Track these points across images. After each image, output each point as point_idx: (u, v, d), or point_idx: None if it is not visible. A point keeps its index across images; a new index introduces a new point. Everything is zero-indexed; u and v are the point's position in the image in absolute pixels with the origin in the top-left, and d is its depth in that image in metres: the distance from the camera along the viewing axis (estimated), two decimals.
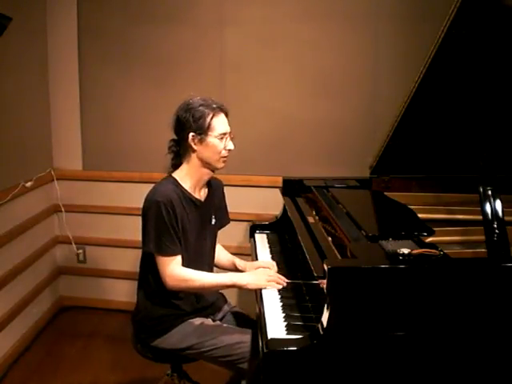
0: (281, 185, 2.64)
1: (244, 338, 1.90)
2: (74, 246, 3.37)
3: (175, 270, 1.90)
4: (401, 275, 1.46)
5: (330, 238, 1.91)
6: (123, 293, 3.35)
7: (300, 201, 2.46)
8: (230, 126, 1.98)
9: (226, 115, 1.98)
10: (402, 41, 2.89)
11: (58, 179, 3.31)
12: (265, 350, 1.48)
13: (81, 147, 3.32)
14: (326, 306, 1.47)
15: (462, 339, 1.49)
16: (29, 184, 2.98)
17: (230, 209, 3.14)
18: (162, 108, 3.21)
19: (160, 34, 3.11)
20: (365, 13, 2.92)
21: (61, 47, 3.20)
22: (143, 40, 3.13)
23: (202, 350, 1.93)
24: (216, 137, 1.92)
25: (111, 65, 3.19)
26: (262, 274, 1.94)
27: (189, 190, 1.98)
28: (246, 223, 2.98)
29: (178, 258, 1.91)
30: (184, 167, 1.98)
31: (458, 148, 2.09)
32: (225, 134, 1.94)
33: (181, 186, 1.96)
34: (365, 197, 2.42)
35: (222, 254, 2.24)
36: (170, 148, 2.02)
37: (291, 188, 2.60)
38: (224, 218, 2.21)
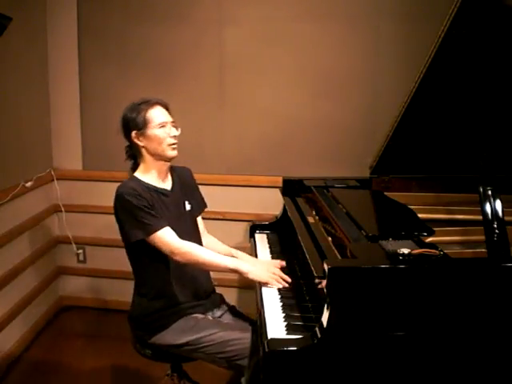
0: (281, 185, 2.64)
1: (242, 334, 1.90)
2: (73, 245, 3.37)
3: (174, 241, 1.92)
4: (401, 275, 1.46)
5: (330, 238, 1.91)
6: (123, 293, 3.34)
7: (300, 201, 2.46)
8: (172, 116, 2.04)
9: (165, 108, 2.05)
10: (403, 41, 2.89)
11: (58, 179, 3.31)
12: (265, 350, 1.48)
13: (81, 147, 3.32)
14: (325, 305, 1.47)
15: (462, 339, 1.49)
16: (29, 184, 2.98)
17: (230, 209, 3.16)
18: None
19: (160, 34, 3.11)
20: (366, 13, 2.92)
21: (61, 47, 3.20)
22: (143, 40, 3.13)
23: (200, 346, 1.93)
24: (155, 127, 1.98)
25: (111, 64, 3.20)
26: (266, 270, 1.94)
27: (152, 183, 2.02)
28: (246, 223, 2.98)
29: (168, 229, 1.93)
30: (141, 166, 2.05)
31: (458, 148, 2.09)
32: (165, 122, 2.00)
33: (142, 181, 2.01)
34: (365, 197, 2.42)
35: (219, 247, 2.24)
36: (126, 153, 2.08)
37: (291, 188, 2.59)
38: (200, 203, 2.24)
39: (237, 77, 3.10)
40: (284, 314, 1.73)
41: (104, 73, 3.21)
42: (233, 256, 2.15)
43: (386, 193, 2.35)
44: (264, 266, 1.98)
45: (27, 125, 3.01)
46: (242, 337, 1.89)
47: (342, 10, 2.95)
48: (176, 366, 2.18)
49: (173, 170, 2.14)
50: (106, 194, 3.31)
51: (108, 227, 3.35)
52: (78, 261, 3.42)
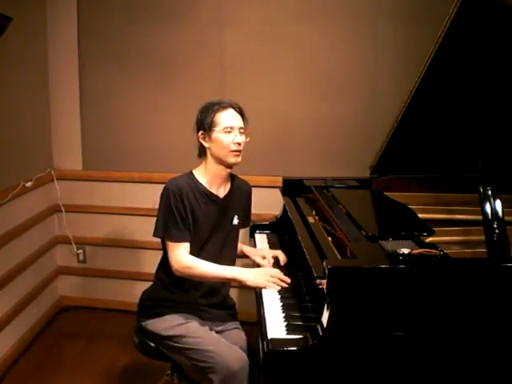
0: (281, 185, 2.64)
1: (223, 351, 1.88)
2: (73, 246, 3.37)
3: (182, 256, 1.94)
4: (401, 275, 1.46)
5: (329, 238, 1.91)
6: (123, 293, 3.35)
7: (300, 201, 2.46)
8: (245, 122, 2.04)
9: (239, 112, 2.03)
10: (402, 41, 2.89)
11: (57, 179, 3.31)
12: (265, 350, 1.48)
13: (81, 147, 3.32)
14: (326, 306, 1.47)
15: (462, 339, 1.49)
16: (29, 184, 2.98)
17: None
18: (161, 108, 3.21)
19: (160, 34, 3.11)
20: (365, 13, 2.92)
21: (61, 47, 3.20)
22: (143, 40, 3.13)
23: (181, 345, 1.94)
24: (220, 131, 1.97)
25: (111, 65, 3.20)
26: (264, 274, 1.95)
27: (205, 185, 2.03)
28: None
29: (185, 245, 1.96)
30: (202, 164, 2.07)
31: (458, 148, 2.09)
32: (231, 127, 1.98)
33: (196, 179, 2.03)
34: (365, 197, 2.42)
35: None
36: (198, 147, 2.09)
37: (291, 188, 2.60)
38: (245, 221, 2.26)
39: (237, 77, 3.10)
40: (284, 314, 1.73)
41: (104, 73, 3.21)
42: (242, 252, 2.22)
43: (385, 193, 2.36)
44: (261, 271, 1.99)
45: (27, 125, 3.01)
46: (223, 353, 1.87)
47: (341, 11, 2.95)
48: (176, 366, 2.18)
49: (233, 181, 2.13)
50: (105, 194, 3.34)
51: (108, 227, 3.36)
52: (78, 261, 3.42)
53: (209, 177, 2.04)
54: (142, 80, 3.17)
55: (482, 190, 1.65)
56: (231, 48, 3.08)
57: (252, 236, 2.57)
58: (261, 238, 2.53)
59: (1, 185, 2.73)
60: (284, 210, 2.56)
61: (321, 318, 1.49)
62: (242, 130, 2.01)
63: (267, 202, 3.04)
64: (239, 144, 1.98)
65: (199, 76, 3.12)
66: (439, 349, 1.48)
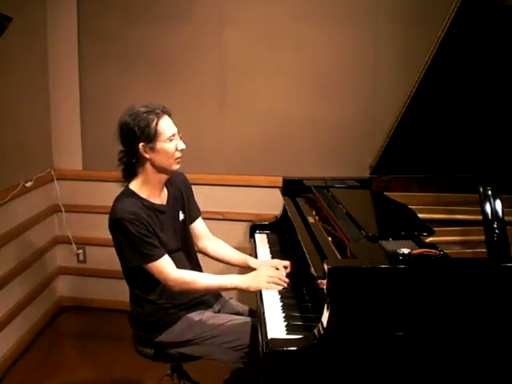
0: (281, 185, 2.64)
1: (244, 325, 1.92)
2: (73, 246, 3.37)
3: (173, 272, 1.90)
4: (401, 275, 1.46)
5: (329, 238, 1.91)
6: (123, 293, 3.30)
7: (300, 201, 2.46)
8: (176, 126, 1.97)
9: (170, 116, 1.97)
10: (402, 41, 2.89)
11: (57, 179, 3.31)
12: (265, 350, 1.48)
13: (81, 147, 3.32)
14: (326, 306, 1.47)
15: (462, 339, 1.49)
16: (29, 184, 2.98)
17: (230, 209, 3.15)
18: None
19: (160, 34, 3.11)
20: (365, 13, 2.92)
21: (61, 47, 3.20)
22: (143, 40, 3.14)
23: (206, 338, 1.94)
24: (165, 141, 1.91)
25: (111, 65, 3.20)
26: (263, 276, 1.92)
27: (148, 199, 1.97)
28: (246, 223, 2.98)
29: (167, 258, 1.90)
30: (140, 177, 1.97)
31: (458, 148, 2.09)
32: (173, 135, 1.94)
33: (139, 196, 1.95)
34: (365, 197, 2.42)
35: (229, 251, 2.20)
36: (120, 160, 1.97)
37: (291, 188, 2.59)
38: (193, 211, 2.18)
39: (237, 77, 3.10)
40: (284, 314, 1.73)
41: (104, 73, 3.21)
42: (249, 265, 2.10)
43: (385, 193, 2.36)
44: (261, 272, 1.95)
45: (27, 125, 3.01)
46: (243, 326, 1.91)
47: (341, 11, 2.95)
48: (176, 366, 2.18)
49: (167, 181, 2.07)
50: (105, 194, 3.31)
51: (108, 227, 3.35)
52: (78, 261, 3.42)
53: (149, 189, 1.97)
54: (142, 80, 3.17)
55: (481, 190, 1.65)
56: (231, 48, 3.08)
57: (252, 236, 2.57)
58: (261, 238, 2.53)
59: (1, 185, 2.73)
60: (284, 209, 2.56)
61: (321, 317, 1.49)
62: (180, 135, 1.97)
63: (267, 202, 3.04)
64: (182, 150, 1.95)
65: (199, 76, 3.13)
66: (439, 349, 1.48)
